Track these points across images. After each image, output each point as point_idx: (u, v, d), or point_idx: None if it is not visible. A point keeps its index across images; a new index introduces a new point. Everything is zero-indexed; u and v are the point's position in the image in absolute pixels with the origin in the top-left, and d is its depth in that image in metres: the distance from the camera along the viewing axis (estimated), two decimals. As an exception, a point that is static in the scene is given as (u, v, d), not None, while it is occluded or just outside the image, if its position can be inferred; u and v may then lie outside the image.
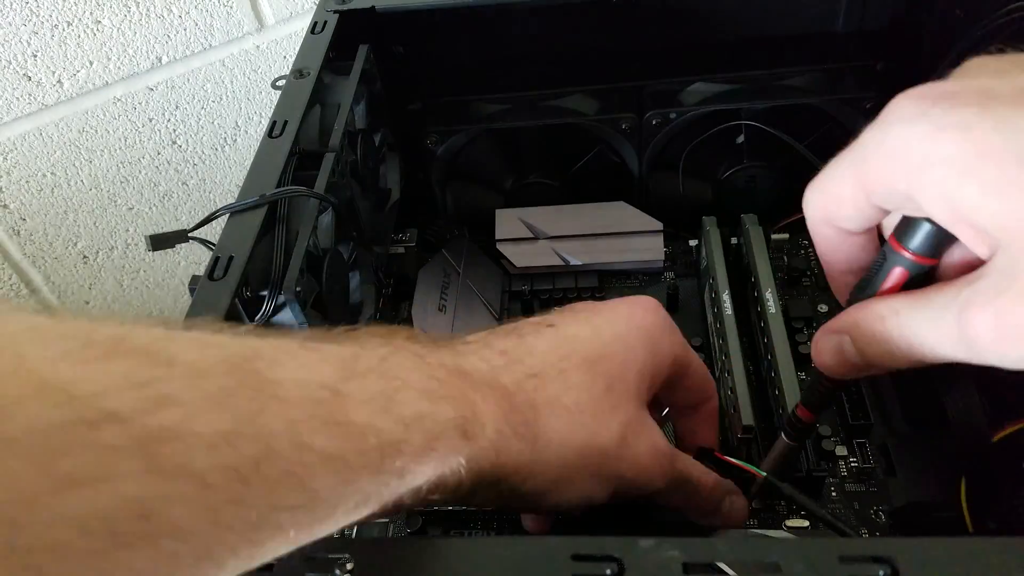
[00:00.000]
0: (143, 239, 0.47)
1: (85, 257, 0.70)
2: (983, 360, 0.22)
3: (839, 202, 0.25)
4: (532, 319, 0.32)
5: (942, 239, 0.24)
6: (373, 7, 0.50)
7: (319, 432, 0.20)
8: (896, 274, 0.26)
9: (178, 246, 0.38)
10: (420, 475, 0.24)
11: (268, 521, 0.19)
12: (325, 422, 0.21)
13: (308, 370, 0.22)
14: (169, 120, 0.67)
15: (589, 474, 0.29)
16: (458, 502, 0.27)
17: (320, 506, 0.21)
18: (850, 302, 0.28)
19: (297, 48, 0.48)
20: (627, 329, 0.32)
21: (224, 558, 0.18)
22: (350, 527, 0.44)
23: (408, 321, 0.52)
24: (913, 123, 0.22)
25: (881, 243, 0.27)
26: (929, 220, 0.24)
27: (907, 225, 0.25)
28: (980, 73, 0.23)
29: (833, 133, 0.52)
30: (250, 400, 0.19)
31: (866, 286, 0.27)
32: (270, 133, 0.41)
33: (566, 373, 0.29)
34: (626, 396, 0.30)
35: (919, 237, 0.24)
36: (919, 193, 0.22)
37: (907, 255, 0.25)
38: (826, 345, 0.28)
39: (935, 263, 0.25)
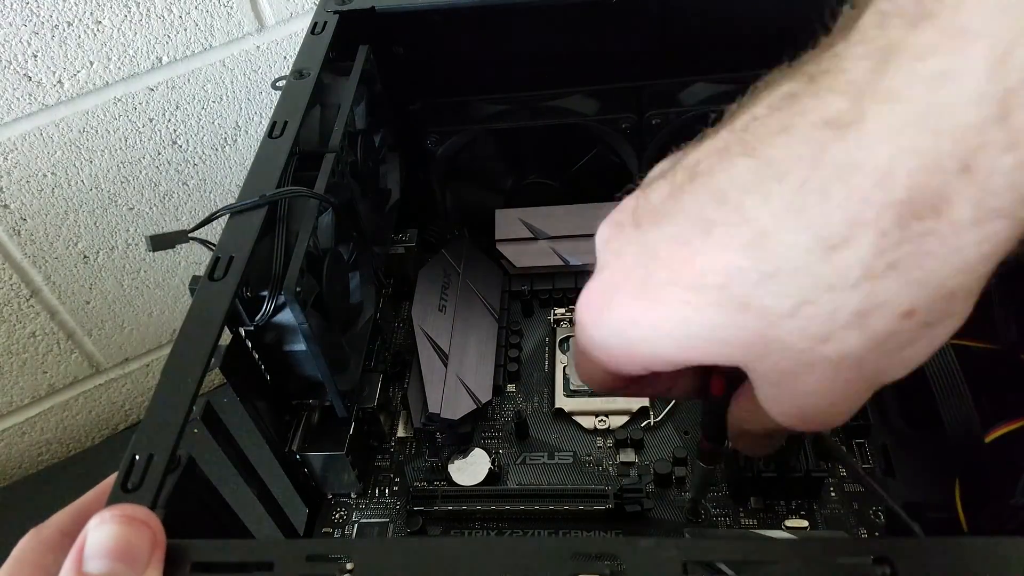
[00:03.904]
0: (143, 239, 0.47)
1: (85, 257, 0.70)
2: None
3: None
4: None
5: None
6: (373, 7, 0.50)
7: None
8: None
9: (178, 246, 0.38)
10: None
11: None
12: None
13: None
14: (169, 120, 0.67)
15: None
16: None
17: None
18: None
19: (297, 49, 0.48)
20: None
21: None
22: (350, 527, 0.44)
23: (408, 321, 0.52)
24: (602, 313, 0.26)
25: None
26: None
27: None
28: (630, 203, 0.26)
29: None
30: None
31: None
32: (270, 133, 0.42)
33: None
34: None
35: None
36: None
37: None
38: (744, 447, 0.32)
39: None
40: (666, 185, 0.24)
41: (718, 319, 0.22)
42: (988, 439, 0.36)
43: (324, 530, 0.44)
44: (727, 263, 0.21)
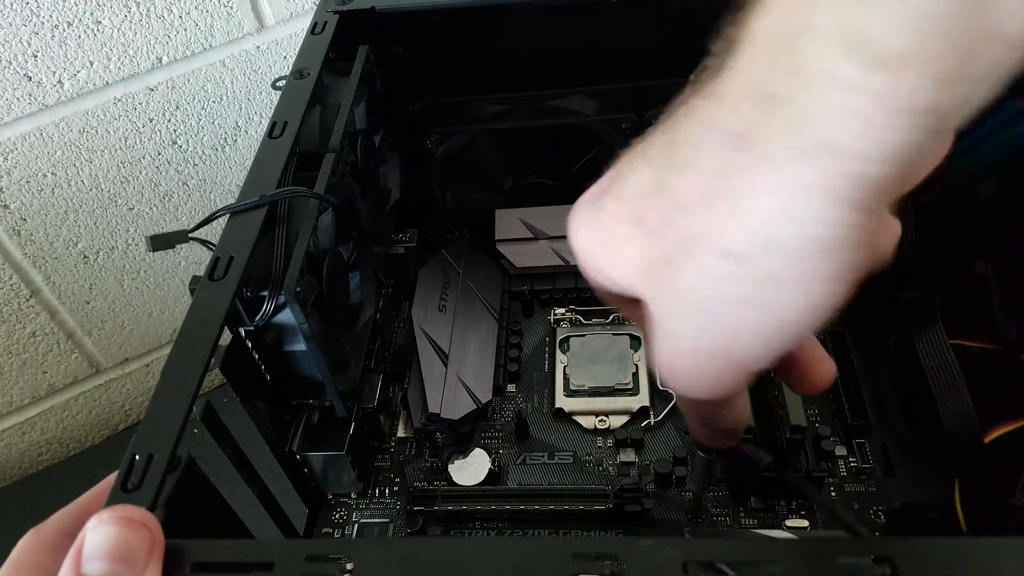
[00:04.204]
0: (143, 239, 0.47)
1: (85, 257, 0.70)
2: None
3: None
4: None
5: None
6: (373, 7, 0.50)
7: None
8: None
9: (178, 246, 0.38)
10: None
11: None
12: None
13: None
14: (169, 120, 0.67)
15: None
16: None
17: None
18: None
19: (297, 49, 0.48)
20: None
21: None
22: (350, 527, 0.44)
23: (408, 321, 0.52)
24: (573, 232, 0.27)
25: None
26: None
27: None
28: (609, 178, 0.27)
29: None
30: None
31: None
32: (270, 133, 0.42)
33: None
34: None
35: None
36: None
37: None
38: (697, 434, 0.32)
39: None
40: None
41: (623, 231, 0.24)
42: (988, 439, 0.36)
43: (324, 530, 0.44)
44: (641, 177, 0.24)
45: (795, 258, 0.20)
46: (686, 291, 0.22)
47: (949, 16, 0.17)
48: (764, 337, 0.22)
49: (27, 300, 0.68)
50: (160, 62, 0.64)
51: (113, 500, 0.27)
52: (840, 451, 0.44)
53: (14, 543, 0.27)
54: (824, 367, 0.29)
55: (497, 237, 0.56)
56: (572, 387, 0.48)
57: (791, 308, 0.21)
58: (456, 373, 0.48)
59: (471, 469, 0.45)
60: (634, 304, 0.28)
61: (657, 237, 0.22)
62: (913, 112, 0.18)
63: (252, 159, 0.40)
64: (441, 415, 0.45)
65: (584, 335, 0.51)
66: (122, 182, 0.67)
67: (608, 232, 0.24)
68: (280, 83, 0.45)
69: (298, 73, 0.45)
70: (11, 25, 0.56)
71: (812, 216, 0.19)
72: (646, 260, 0.23)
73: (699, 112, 0.22)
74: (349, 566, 0.24)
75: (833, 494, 0.42)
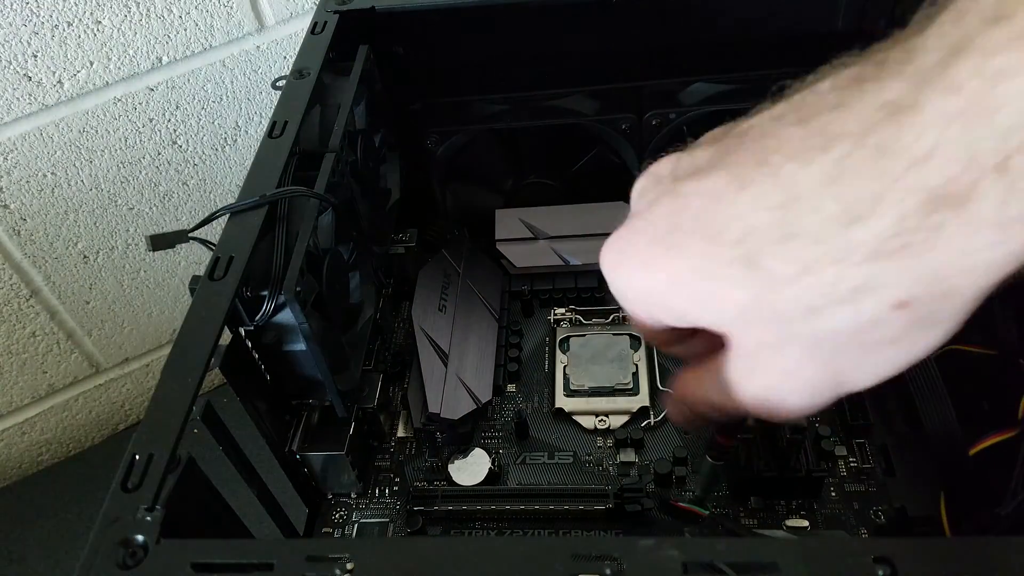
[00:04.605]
0: (143, 239, 0.47)
1: (85, 257, 0.70)
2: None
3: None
4: None
5: None
6: (373, 7, 0.50)
7: None
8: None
9: (178, 246, 0.38)
10: None
11: None
12: None
13: None
14: (169, 120, 0.67)
15: None
16: None
17: None
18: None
19: (297, 48, 0.48)
20: None
21: None
22: (350, 527, 0.44)
23: (408, 321, 0.52)
24: (627, 273, 0.26)
25: None
26: None
27: None
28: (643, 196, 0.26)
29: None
30: None
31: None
32: (270, 133, 0.42)
33: None
34: None
35: None
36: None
37: None
38: (675, 414, 0.32)
39: None
40: (713, 146, 0.24)
41: (724, 273, 0.22)
42: (977, 450, 0.36)
43: (324, 530, 0.44)
44: (751, 219, 0.22)
45: (965, 300, 0.20)
46: (823, 333, 0.21)
47: None
48: (896, 367, 0.22)
49: (27, 300, 0.68)
50: (160, 62, 0.64)
51: (113, 500, 0.27)
52: (840, 451, 0.44)
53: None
54: None
55: (497, 237, 0.56)
56: (572, 387, 0.48)
57: (935, 341, 0.21)
58: (456, 373, 0.48)
59: (471, 469, 0.45)
60: (691, 336, 0.28)
61: (786, 284, 0.21)
62: None
63: (252, 159, 0.40)
64: (441, 415, 0.45)
65: (584, 335, 0.51)
66: (122, 182, 0.67)
67: (695, 273, 0.23)
68: (280, 83, 0.45)
69: (298, 73, 0.45)
70: (11, 25, 0.56)
71: (998, 268, 0.20)
72: (760, 304, 0.22)
73: (870, 165, 0.20)
74: (349, 566, 0.24)
75: (833, 494, 0.42)
